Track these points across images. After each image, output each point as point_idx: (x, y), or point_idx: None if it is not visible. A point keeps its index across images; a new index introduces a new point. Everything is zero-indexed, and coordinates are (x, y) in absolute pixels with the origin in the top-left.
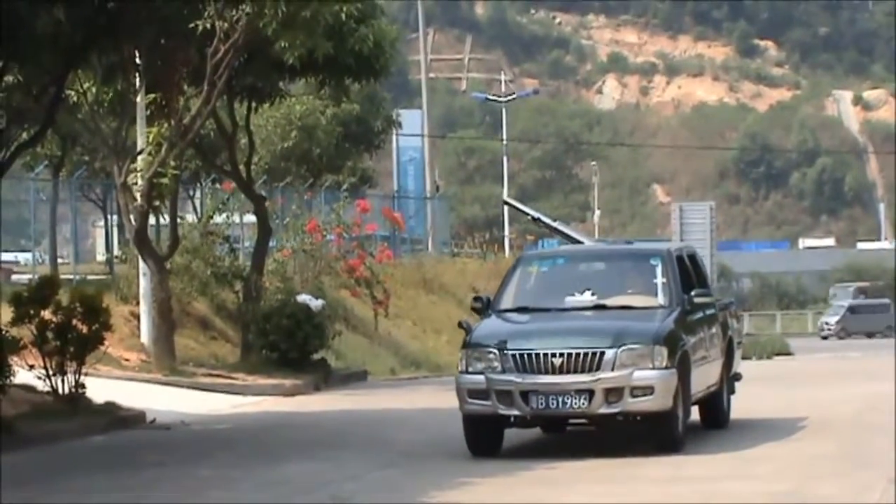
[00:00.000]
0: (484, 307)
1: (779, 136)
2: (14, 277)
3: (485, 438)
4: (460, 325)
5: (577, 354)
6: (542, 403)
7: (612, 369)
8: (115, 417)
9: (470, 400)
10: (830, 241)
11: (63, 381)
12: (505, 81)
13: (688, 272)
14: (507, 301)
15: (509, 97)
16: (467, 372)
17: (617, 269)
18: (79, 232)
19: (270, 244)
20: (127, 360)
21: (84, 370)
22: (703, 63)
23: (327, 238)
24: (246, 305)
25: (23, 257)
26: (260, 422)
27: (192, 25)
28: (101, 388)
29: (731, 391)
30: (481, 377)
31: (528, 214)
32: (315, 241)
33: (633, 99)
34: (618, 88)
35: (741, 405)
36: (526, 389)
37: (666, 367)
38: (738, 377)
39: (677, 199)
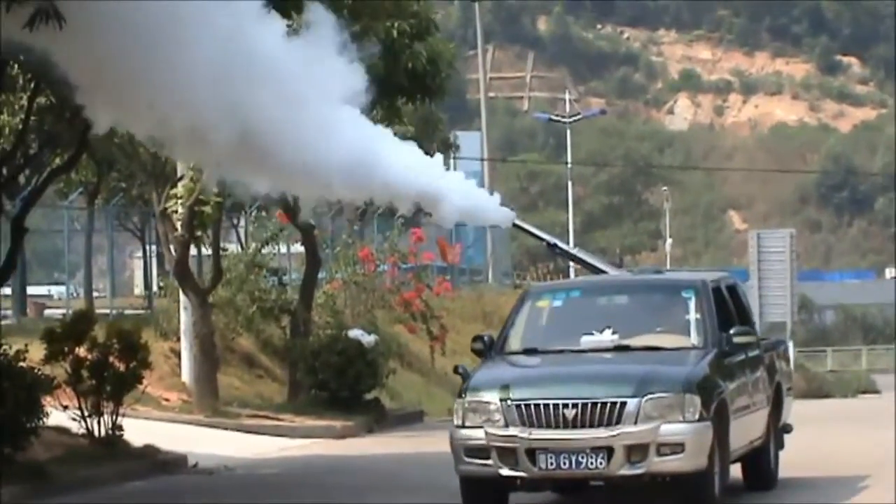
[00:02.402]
0: (486, 348)
1: (863, 159)
2: (47, 312)
3: None
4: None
5: (594, 405)
6: (551, 463)
7: (636, 422)
8: (155, 461)
9: (467, 459)
10: None
11: (99, 422)
12: (569, 101)
13: (727, 307)
14: (512, 341)
15: (574, 118)
16: (464, 426)
17: (643, 303)
18: (115, 263)
19: (319, 276)
20: (167, 400)
21: (121, 411)
22: (782, 81)
23: (381, 269)
24: (293, 341)
25: (56, 291)
26: (308, 466)
27: None
28: (139, 431)
29: (780, 445)
30: (480, 432)
31: (541, 239)
32: (367, 272)
33: (706, 119)
34: (690, 108)
35: (819, 445)
36: (533, 447)
37: (699, 420)
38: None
39: (754, 227)
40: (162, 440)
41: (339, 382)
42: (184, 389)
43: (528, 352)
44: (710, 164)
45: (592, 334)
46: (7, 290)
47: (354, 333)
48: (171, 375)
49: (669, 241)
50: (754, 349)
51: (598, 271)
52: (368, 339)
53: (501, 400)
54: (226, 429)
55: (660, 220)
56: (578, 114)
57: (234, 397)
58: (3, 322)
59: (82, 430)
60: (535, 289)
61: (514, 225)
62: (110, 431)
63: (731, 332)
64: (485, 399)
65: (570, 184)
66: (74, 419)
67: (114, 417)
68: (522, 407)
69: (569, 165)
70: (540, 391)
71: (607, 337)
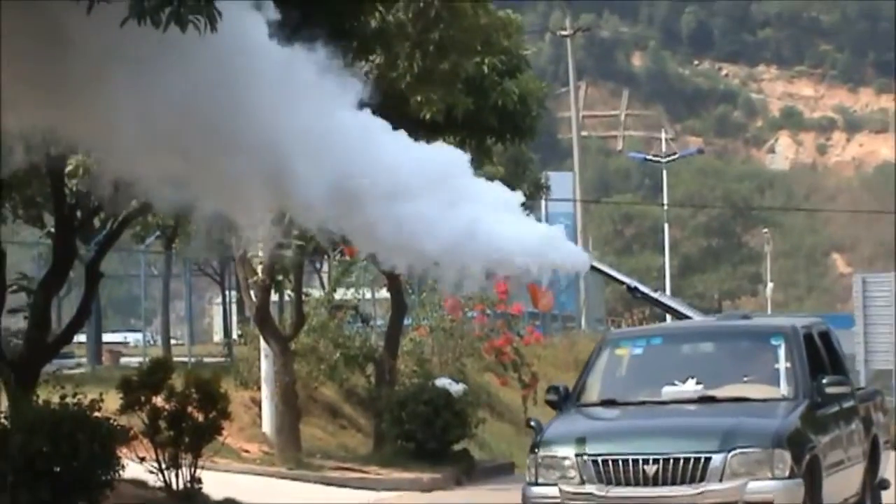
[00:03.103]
0: (561, 400)
1: None
2: (123, 360)
3: None
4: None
5: (677, 460)
6: None
7: (721, 479)
8: None
9: None
10: None
11: (177, 474)
12: (665, 140)
13: (819, 354)
14: (589, 392)
15: (670, 157)
16: (537, 483)
17: (729, 350)
18: (194, 310)
19: (405, 322)
20: (247, 451)
21: (200, 463)
22: (888, 118)
23: (468, 315)
24: (379, 390)
25: (132, 338)
26: None
27: None
28: (219, 483)
29: (877, 503)
30: (554, 489)
31: (621, 283)
32: (455, 319)
33: (808, 158)
34: (792, 147)
35: None
36: None
37: (790, 476)
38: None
39: (859, 270)
40: (242, 493)
41: (427, 433)
42: (265, 440)
43: (606, 403)
44: (812, 205)
45: (675, 384)
46: (82, 338)
47: (442, 382)
48: (252, 426)
49: (770, 285)
50: (849, 400)
51: (682, 316)
52: (457, 387)
53: (577, 455)
54: (308, 481)
55: (760, 264)
56: (675, 153)
57: (317, 448)
58: (78, 370)
59: (160, 483)
60: (613, 336)
61: (592, 268)
62: (189, 484)
63: (824, 381)
64: (559, 454)
65: (666, 226)
66: (151, 471)
67: (192, 470)
68: (600, 462)
69: (665, 207)
70: (618, 446)
71: (691, 387)
